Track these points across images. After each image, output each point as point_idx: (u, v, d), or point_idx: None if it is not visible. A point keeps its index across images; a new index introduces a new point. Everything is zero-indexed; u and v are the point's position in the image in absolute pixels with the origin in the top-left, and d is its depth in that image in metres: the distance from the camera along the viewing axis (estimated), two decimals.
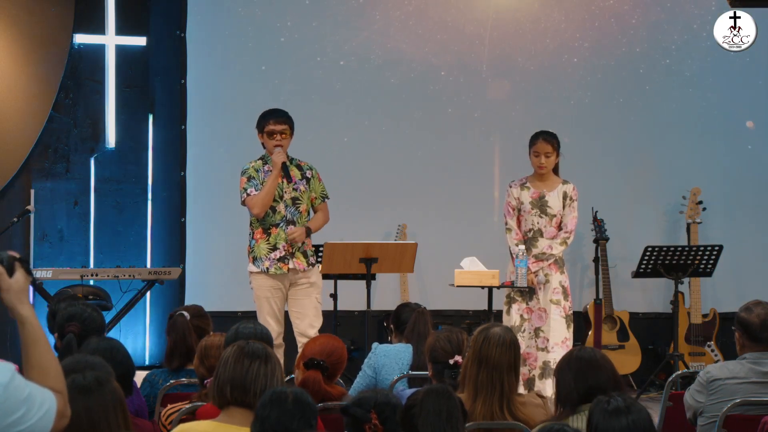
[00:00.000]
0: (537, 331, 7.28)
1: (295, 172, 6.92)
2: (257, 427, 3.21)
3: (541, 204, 7.35)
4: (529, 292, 7.30)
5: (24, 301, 2.57)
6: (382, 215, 9.00)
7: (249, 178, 6.92)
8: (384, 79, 9.14)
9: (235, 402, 3.55)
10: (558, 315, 7.26)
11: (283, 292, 6.88)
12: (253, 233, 6.94)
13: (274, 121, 6.89)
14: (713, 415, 4.69)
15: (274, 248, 6.84)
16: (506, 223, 7.43)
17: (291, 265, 6.82)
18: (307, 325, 6.86)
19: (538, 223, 7.35)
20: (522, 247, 7.21)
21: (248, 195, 6.86)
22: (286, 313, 6.97)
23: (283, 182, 6.84)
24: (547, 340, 7.24)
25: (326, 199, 7.04)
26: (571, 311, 7.37)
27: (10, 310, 2.57)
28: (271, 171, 6.86)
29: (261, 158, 7.00)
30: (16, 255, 2.59)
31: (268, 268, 6.83)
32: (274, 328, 6.81)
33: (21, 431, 2.44)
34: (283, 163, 6.81)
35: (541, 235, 7.34)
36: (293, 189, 6.87)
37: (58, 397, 2.55)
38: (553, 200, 7.35)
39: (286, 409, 3.19)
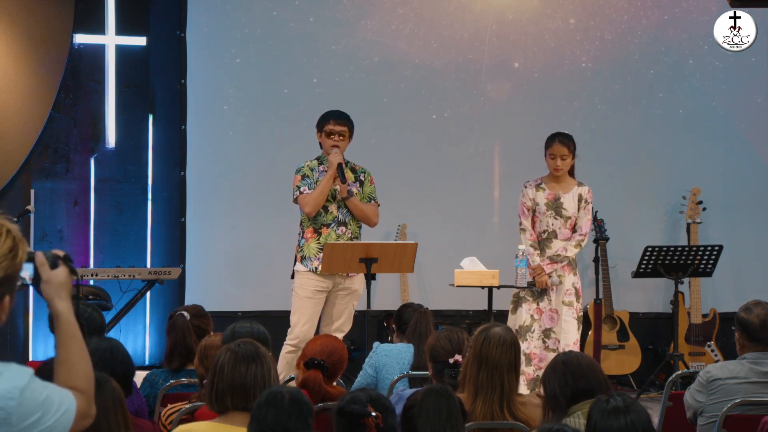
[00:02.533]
0: (547, 332, 7.26)
1: (349, 175, 6.94)
2: (254, 428, 3.20)
3: (556, 206, 7.31)
4: (540, 293, 7.28)
5: (63, 297, 2.61)
6: (382, 215, 8.96)
7: (303, 176, 6.94)
8: (384, 79, 9.13)
9: (236, 408, 3.57)
10: (570, 317, 7.24)
11: (325, 295, 6.92)
12: (304, 232, 6.96)
13: (334, 122, 6.93)
14: (713, 415, 4.70)
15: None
16: (521, 224, 7.38)
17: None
18: (336, 329, 6.89)
19: (552, 224, 7.32)
20: (522, 247, 7.20)
21: (301, 193, 6.89)
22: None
23: (336, 183, 6.86)
24: (558, 342, 7.21)
25: (374, 202, 7.06)
26: (581, 312, 7.37)
27: (48, 304, 2.62)
28: (325, 171, 6.89)
29: (316, 158, 7.03)
30: (60, 253, 2.64)
31: (317, 268, 6.85)
32: (305, 331, 6.81)
33: None
34: (339, 164, 6.83)
35: (556, 237, 7.30)
36: (347, 191, 6.89)
37: (80, 397, 2.56)
38: (569, 202, 7.31)
39: (283, 408, 3.19)
